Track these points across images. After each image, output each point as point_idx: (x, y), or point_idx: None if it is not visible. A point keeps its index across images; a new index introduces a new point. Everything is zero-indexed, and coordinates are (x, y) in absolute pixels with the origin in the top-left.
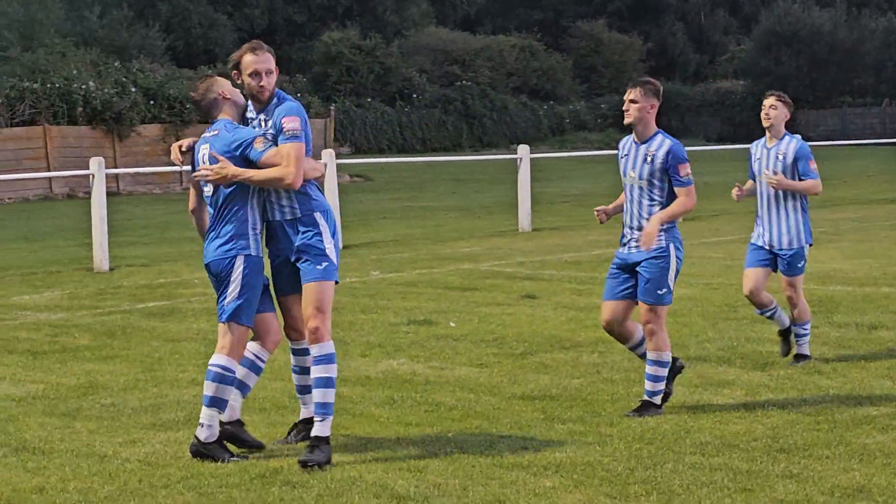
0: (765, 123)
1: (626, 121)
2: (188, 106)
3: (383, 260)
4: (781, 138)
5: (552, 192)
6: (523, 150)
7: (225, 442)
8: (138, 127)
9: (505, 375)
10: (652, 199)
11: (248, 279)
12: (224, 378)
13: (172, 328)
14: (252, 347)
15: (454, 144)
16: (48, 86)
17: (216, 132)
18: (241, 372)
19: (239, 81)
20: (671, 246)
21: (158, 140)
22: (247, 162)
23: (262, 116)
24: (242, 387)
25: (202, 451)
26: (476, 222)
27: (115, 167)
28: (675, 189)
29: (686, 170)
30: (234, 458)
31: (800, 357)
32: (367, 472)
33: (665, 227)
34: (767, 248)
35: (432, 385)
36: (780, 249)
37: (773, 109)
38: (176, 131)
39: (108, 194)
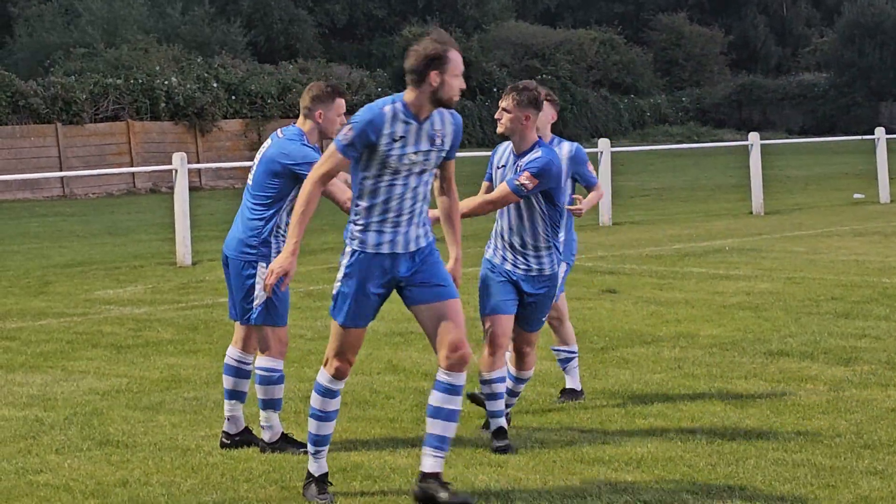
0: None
1: (499, 130)
2: (269, 101)
3: (466, 254)
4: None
5: (632, 186)
6: (604, 144)
7: (288, 435)
8: (220, 122)
9: (585, 370)
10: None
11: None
12: (270, 379)
13: None
14: (232, 353)
15: None
16: (131, 81)
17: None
18: (230, 382)
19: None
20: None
21: (240, 135)
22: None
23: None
24: (239, 395)
25: (270, 451)
26: None
27: (198, 162)
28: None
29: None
30: (303, 450)
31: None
32: (447, 466)
33: (550, 244)
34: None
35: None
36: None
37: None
38: (257, 126)
39: (191, 189)
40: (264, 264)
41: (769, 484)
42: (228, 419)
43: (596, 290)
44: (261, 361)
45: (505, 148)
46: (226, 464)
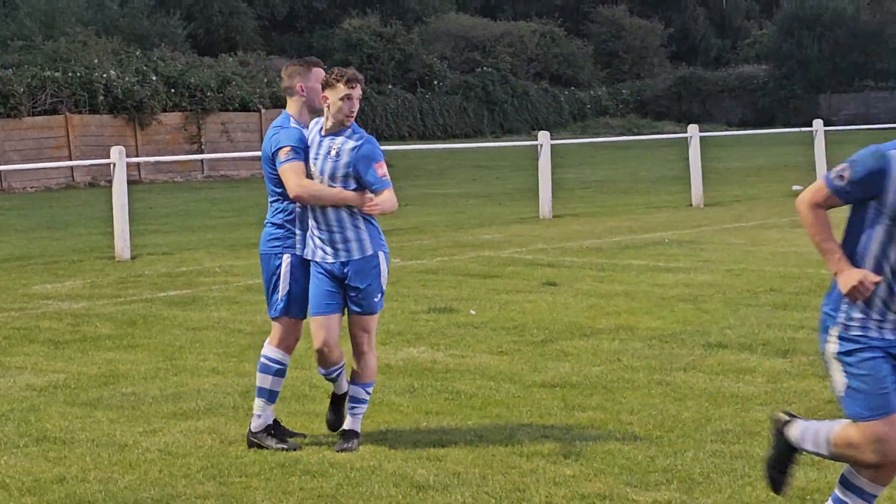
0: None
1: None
2: (209, 94)
3: (404, 247)
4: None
5: (573, 179)
6: (544, 137)
7: (273, 430)
8: (159, 115)
9: (525, 363)
10: None
11: (294, 275)
12: (269, 369)
13: (193, 317)
14: (274, 353)
15: (475, 131)
16: (69, 75)
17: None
18: (267, 381)
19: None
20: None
21: (179, 128)
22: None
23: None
24: (270, 395)
25: (253, 441)
26: (497, 209)
27: (137, 156)
28: None
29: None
30: (283, 446)
31: (349, 435)
32: (386, 460)
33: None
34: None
35: (452, 373)
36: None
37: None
38: (197, 119)
39: (130, 183)
40: (289, 255)
41: (707, 476)
42: (258, 416)
43: (536, 282)
44: (267, 350)
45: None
46: (164, 460)
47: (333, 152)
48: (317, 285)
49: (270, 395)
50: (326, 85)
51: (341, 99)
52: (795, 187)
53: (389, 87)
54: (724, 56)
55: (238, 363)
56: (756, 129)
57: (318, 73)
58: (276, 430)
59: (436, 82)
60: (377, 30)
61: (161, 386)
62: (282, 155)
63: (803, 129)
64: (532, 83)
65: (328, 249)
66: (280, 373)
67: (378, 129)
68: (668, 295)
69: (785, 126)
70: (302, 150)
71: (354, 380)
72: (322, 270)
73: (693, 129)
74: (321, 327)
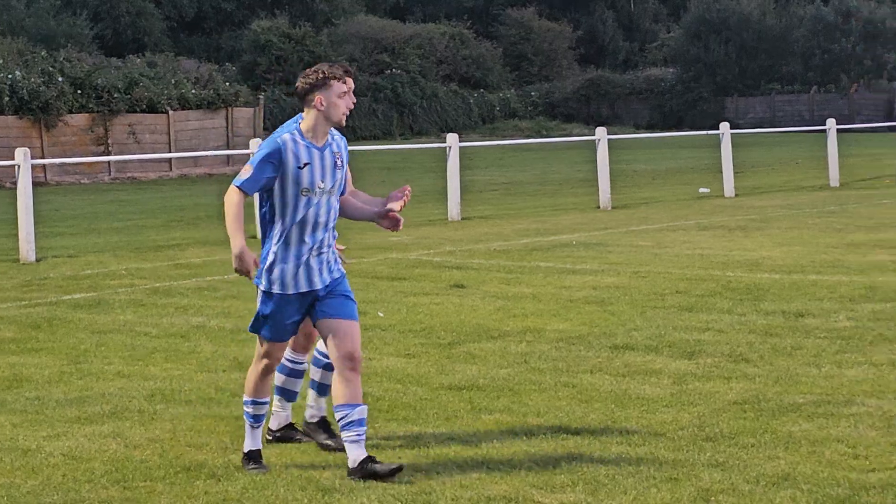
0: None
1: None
2: (116, 95)
3: None
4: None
5: (482, 181)
6: (452, 139)
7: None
8: (66, 117)
9: (432, 366)
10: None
11: None
12: (283, 368)
13: (99, 320)
14: (286, 353)
15: (384, 133)
16: None
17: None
18: (280, 379)
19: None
20: None
21: (86, 130)
22: None
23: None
24: (287, 394)
25: (269, 439)
26: (405, 211)
27: (43, 157)
28: None
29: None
30: (306, 439)
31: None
32: (292, 464)
33: None
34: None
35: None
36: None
37: None
38: (104, 121)
39: (36, 184)
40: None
41: (612, 478)
42: (273, 414)
43: (444, 284)
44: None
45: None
46: (67, 465)
47: (339, 161)
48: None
49: (292, 396)
50: (317, 85)
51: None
52: (702, 190)
53: None
54: (632, 59)
55: (144, 367)
56: (663, 131)
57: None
58: (284, 432)
59: None
60: (286, 31)
61: (65, 390)
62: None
63: (710, 131)
64: (441, 85)
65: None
66: (295, 373)
67: None
68: (574, 297)
69: (692, 129)
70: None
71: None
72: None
73: (601, 132)
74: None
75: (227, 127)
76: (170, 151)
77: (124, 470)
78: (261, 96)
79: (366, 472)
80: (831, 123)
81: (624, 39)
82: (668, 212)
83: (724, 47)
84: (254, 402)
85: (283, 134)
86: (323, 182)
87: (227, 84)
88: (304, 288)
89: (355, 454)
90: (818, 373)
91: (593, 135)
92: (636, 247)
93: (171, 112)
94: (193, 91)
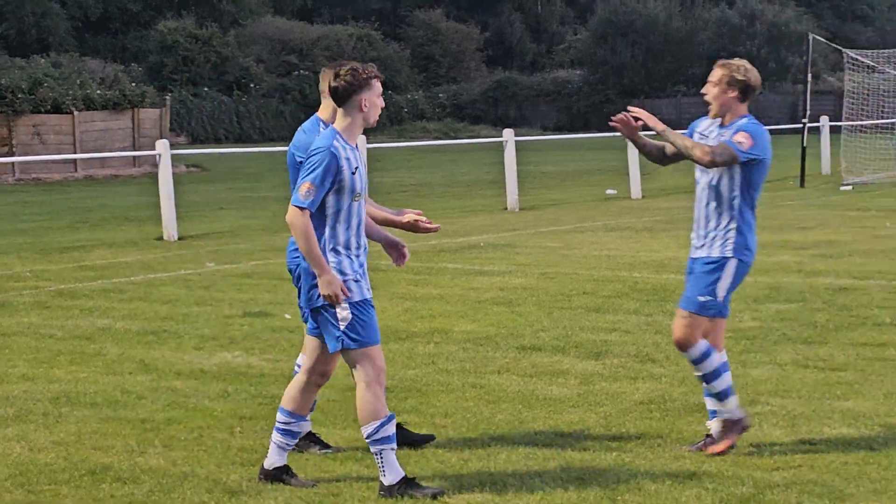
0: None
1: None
2: (20, 96)
3: (219, 251)
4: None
5: (390, 183)
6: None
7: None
8: None
9: (340, 367)
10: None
11: None
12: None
13: (3, 322)
14: (301, 361)
15: (292, 134)
16: None
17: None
18: None
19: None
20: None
21: None
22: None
23: None
24: None
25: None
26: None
27: None
28: None
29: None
30: (328, 451)
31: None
32: (199, 466)
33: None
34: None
35: (267, 377)
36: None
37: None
38: (7, 122)
39: None
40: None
41: (520, 478)
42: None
43: None
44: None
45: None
46: None
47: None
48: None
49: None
50: (361, 86)
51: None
52: (609, 191)
53: (205, 89)
54: (539, 61)
55: (49, 369)
56: (571, 133)
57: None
58: (304, 440)
59: (252, 85)
60: (193, 32)
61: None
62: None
63: (617, 133)
64: None
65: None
66: None
67: (194, 132)
68: (482, 298)
69: (599, 131)
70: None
71: None
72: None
73: (508, 134)
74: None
75: (133, 128)
76: (75, 152)
77: (28, 473)
78: (167, 97)
79: (276, 478)
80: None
81: (531, 41)
82: (576, 213)
83: (631, 49)
84: (383, 424)
85: (332, 141)
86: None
87: (134, 85)
88: (369, 294)
89: (274, 459)
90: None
91: (501, 136)
92: (544, 248)
93: (76, 113)
94: (99, 91)
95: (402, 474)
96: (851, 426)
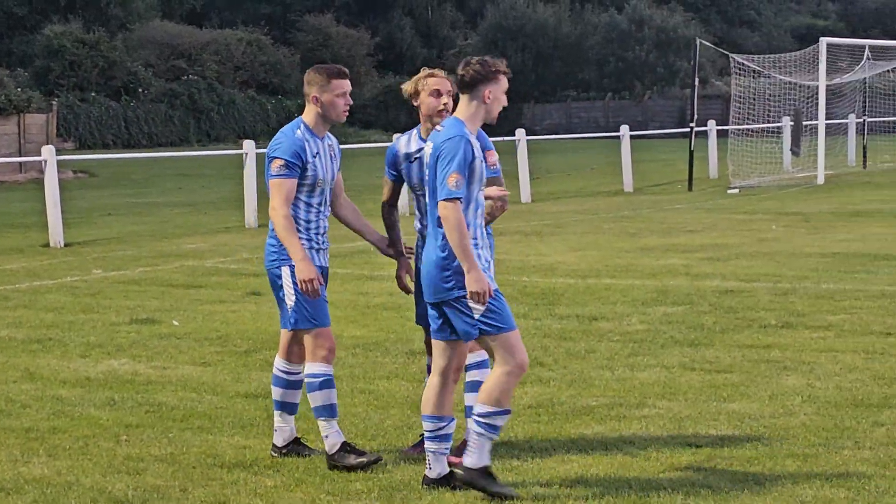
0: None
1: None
2: None
3: (106, 258)
4: None
5: None
6: (249, 146)
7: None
8: None
9: (228, 374)
10: None
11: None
12: (312, 385)
13: None
14: (278, 363)
15: (181, 139)
16: None
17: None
18: (278, 393)
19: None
20: None
21: None
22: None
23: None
24: (287, 407)
25: (334, 465)
26: (202, 218)
27: None
28: None
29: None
30: (363, 459)
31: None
32: (84, 475)
33: None
34: None
35: (154, 385)
36: None
37: None
38: None
39: None
40: (288, 267)
41: (407, 483)
42: (276, 431)
43: (241, 292)
44: (308, 368)
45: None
46: None
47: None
48: None
49: (331, 410)
50: (488, 77)
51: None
52: None
53: (93, 94)
54: (430, 65)
55: None
56: None
57: (340, 84)
58: (291, 447)
59: (141, 90)
60: (80, 36)
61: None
62: (273, 167)
63: (506, 138)
64: (239, 91)
65: None
66: (293, 385)
67: (81, 138)
68: (372, 303)
69: (489, 135)
70: (298, 167)
71: None
72: None
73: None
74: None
75: (18, 133)
76: None
77: None
78: (54, 102)
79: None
80: (625, 130)
81: (422, 46)
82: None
83: (521, 54)
84: (499, 413)
85: (463, 129)
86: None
87: (19, 90)
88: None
89: (439, 470)
90: (611, 376)
91: (391, 141)
92: None
93: None
94: None
95: (487, 464)
96: (737, 428)
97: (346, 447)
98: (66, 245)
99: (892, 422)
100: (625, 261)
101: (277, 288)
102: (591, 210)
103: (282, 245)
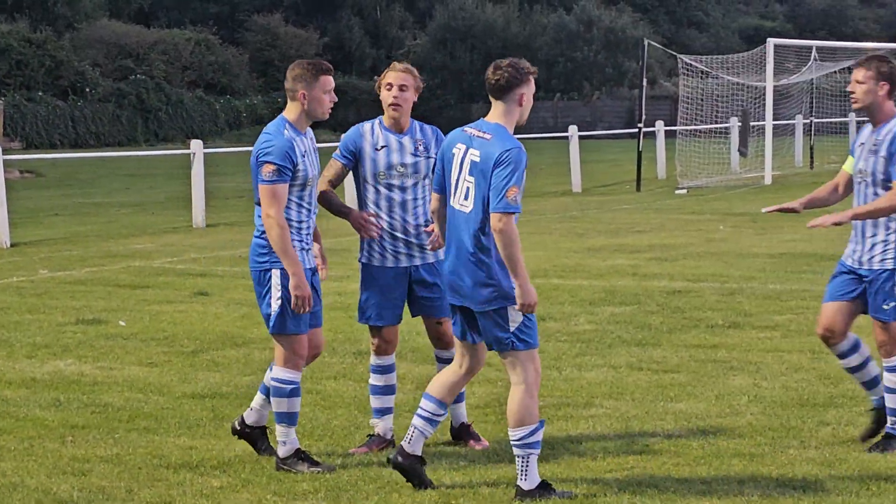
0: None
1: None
2: None
3: (52, 258)
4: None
5: (228, 188)
6: (196, 145)
7: (302, 451)
8: None
9: (175, 374)
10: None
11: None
12: (282, 391)
13: None
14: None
15: (129, 139)
16: None
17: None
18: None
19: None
20: None
21: None
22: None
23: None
24: (290, 417)
25: (282, 467)
26: (149, 218)
27: None
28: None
29: None
30: (317, 469)
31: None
32: (28, 476)
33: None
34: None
35: (100, 386)
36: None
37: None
38: None
39: None
40: (278, 270)
41: (354, 483)
42: (252, 409)
43: (187, 292)
44: (275, 371)
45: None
46: None
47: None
48: None
49: (293, 418)
50: (522, 80)
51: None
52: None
53: (40, 94)
54: (378, 66)
55: None
56: None
57: (327, 81)
58: (254, 433)
59: (88, 90)
60: (26, 35)
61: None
62: (265, 172)
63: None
64: (187, 91)
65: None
66: (294, 393)
67: (28, 137)
68: None
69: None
70: (289, 170)
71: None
72: None
73: None
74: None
75: None
76: None
77: None
78: (0, 101)
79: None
80: (573, 130)
81: (371, 46)
82: None
83: (470, 54)
84: (536, 430)
85: (517, 142)
86: None
87: None
88: None
89: (415, 447)
90: (559, 375)
91: (339, 141)
92: None
93: None
94: None
95: (540, 480)
96: (684, 427)
97: (299, 454)
98: (12, 245)
99: (837, 421)
100: (572, 261)
101: (262, 287)
102: (539, 210)
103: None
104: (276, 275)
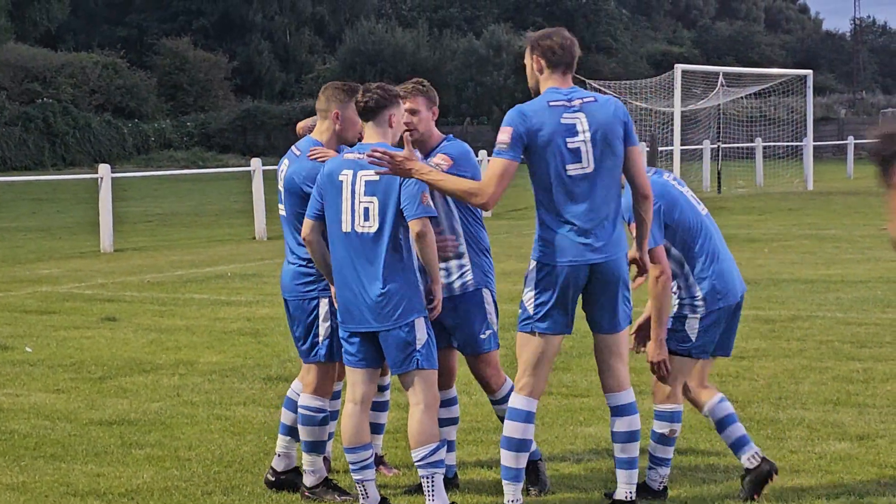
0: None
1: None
2: None
3: None
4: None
5: (136, 212)
6: (104, 170)
7: (331, 480)
8: None
9: (82, 401)
10: None
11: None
12: (313, 419)
13: None
14: (296, 387)
15: (35, 163)
16: None
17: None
18: (288, 417)
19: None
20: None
21: None
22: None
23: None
24: (295, 433)
25: (309, 497)
26: (56, 243)
27: None
28: None
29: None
30: (346, 498)
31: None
32: (26, 494)
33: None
34: None
35: (6, 413)
36: None
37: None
38: None
39: None
40: (326, 299)
41: None
42: (279, 455)
43: (95, 318)
44: (305, 399)
45: None
46: None
47: None
48: None
49: (323, 447)
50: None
51: None
52: None
53: None
54: (288, 90)
55: None
56: None
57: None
58: (289, 476)
59: None
60: None
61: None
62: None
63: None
64: (94, 115)
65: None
66: (325, 421)
67: None
68: (229, 329)
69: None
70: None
71: None
72: None
73: (256, 163)
74: None
75: None
76: None
77: None
78: None
79: None
80: (483, 155)
81: (280, 70)
82: None
83: (380, 79)
84: (438, 448)
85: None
86: None
87: None
88: None
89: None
90: (469, 400)
91: (249, 166)
92: None
93: None
94: None
95: (448, 502)
96: (594, 451)
97: (328, 483)
98: None
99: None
100: None
101: (305, 317)
102: None
103: (319, 274)
104: (324, 304)
